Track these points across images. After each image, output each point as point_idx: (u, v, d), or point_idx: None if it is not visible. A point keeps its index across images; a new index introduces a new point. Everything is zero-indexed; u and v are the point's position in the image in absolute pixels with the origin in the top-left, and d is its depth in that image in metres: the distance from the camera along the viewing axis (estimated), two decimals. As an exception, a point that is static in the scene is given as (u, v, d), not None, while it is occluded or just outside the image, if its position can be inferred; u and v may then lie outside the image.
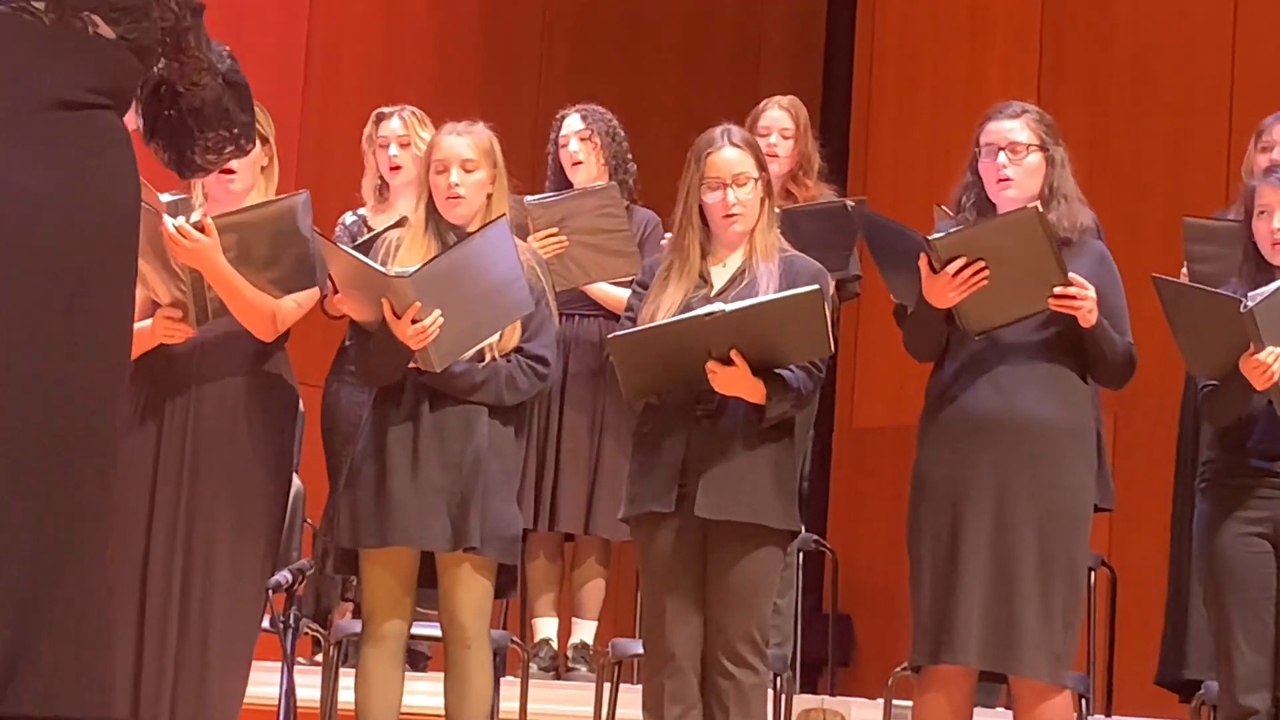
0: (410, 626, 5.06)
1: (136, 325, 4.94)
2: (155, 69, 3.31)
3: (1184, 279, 5.52)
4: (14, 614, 3.03)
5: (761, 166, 5.01)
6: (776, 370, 4.84)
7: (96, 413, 3.15)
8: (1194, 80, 8.50)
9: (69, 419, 3.10)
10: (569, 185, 6.52)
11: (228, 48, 3.43)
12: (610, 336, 4.90)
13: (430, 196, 5.12)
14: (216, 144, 3.41)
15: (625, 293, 5.60)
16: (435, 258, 4.91)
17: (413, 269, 4.87)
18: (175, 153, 3.41)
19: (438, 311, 4.86)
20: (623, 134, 6.56)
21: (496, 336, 5.01)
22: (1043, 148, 4.90)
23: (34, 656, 3.04)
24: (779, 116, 6.60)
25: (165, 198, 5.23)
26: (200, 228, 4.84)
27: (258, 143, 5.02)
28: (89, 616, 3.11)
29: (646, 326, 4.87)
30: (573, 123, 6.55)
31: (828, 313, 4.80)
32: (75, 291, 3.11)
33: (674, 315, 4.88)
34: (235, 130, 3.41)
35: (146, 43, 3.23)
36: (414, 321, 4.85)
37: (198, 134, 3.39)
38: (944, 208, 5.10)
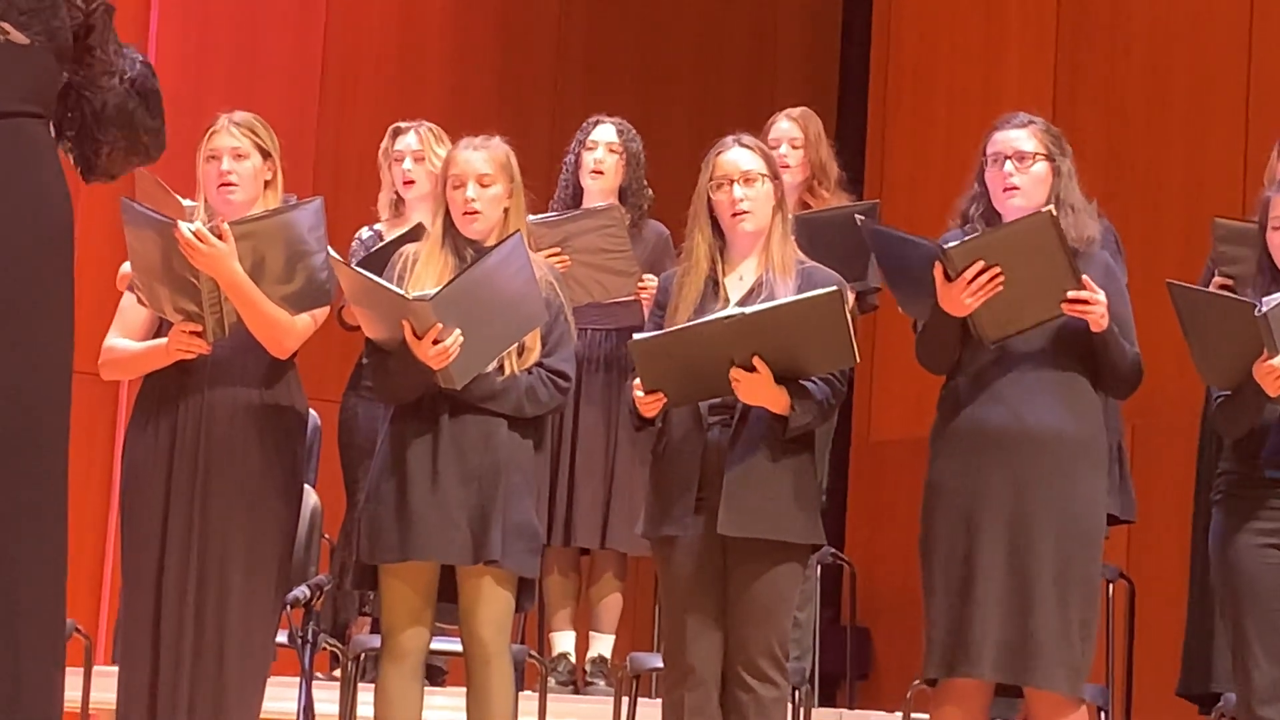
0: (430, 641, 5.06)
1: (151, 342, 4.98)
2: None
3: (1215, 285, 5.50)
4: None
5: (774, 173, 5.00)
6: (800, 381, 4.83)
7: (48, 416, 3.15)
8: (1211, 90, 8.48)
9: (22, 422, 3.10)
10: (580, 189, 6.49)
11: (141, 54, 3.40)
12: (631, 340, 4.87)
13: (447, 211, 5.12)
14: (123, 148, 3.36)
15: None
16: (453, 279, 4.89)
17: (432, 291, 4.86)
18: (80, 154, 3.38)
19: (458, 331, 4.85)
20: (644, 160, 6.55)
21: (516, 350, 5.01)
22: (1049, 157, 4.91)
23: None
24: (787, 127, 6.60)
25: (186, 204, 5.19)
26: (218, 233, 4.84)
27: (259, 156, 5.03)
28: (47, 625, 3.10)
29: (666, 330, 4.86)
30: (606, 132, 6.51)
31: (849, 318, 4.79)
32: (16, 299, 3.10)
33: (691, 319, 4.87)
34: (142, 135, 3.37)
35: (61, 44, 3.21)
36: (435, 342, 4.86)
37: (100, 136, 3.35)
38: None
